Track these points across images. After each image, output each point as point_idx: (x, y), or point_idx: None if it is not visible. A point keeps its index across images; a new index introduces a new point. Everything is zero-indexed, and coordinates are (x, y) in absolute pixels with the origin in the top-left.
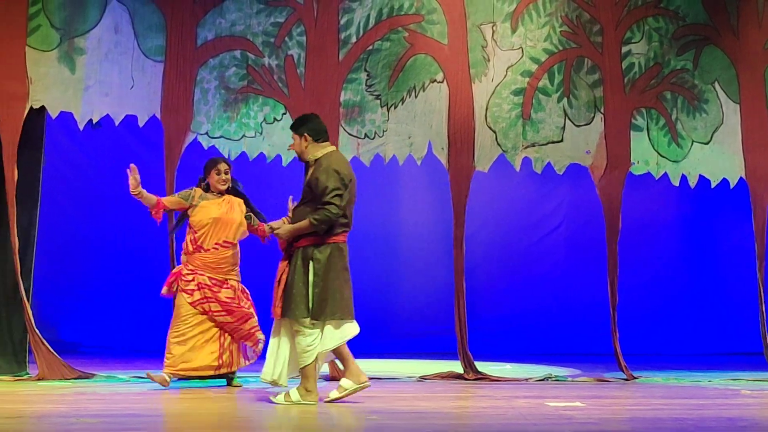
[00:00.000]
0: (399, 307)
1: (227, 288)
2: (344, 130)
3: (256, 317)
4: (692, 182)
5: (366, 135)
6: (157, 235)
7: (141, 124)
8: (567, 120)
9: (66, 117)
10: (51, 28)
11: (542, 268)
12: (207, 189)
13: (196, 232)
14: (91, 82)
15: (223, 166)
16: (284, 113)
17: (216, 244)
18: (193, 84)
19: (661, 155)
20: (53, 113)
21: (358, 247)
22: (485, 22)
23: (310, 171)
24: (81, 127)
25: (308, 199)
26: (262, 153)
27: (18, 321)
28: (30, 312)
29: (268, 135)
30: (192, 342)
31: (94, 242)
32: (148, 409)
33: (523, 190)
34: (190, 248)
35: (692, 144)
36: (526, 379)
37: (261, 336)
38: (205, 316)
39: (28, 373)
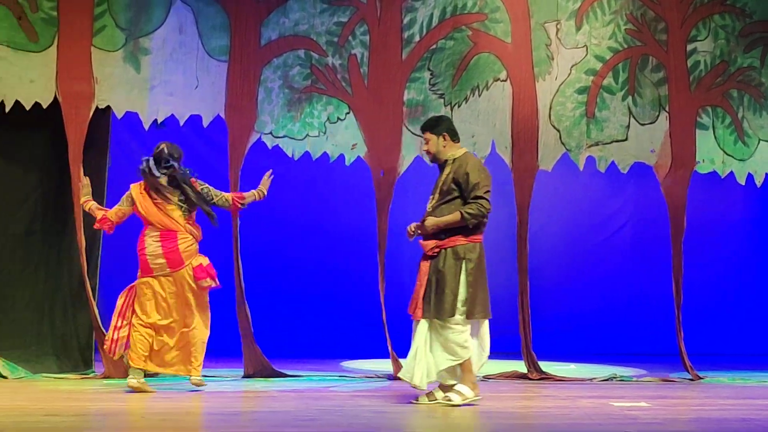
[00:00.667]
0: None
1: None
2: (407, 129)
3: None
4: (759, 181)
5: None
6: (220, 233)
7: (205, 124)
8: (631, 118)
9: (131, 117)
10: (116, 28)
11: (607, 268)
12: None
13: (145, 226)
14: (156, 82)
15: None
16: (347, 113)
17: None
18: (257, 83)
19: (727, 154)
20: (119, 113)
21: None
22: (549, 20)
23: (451, 169)
24: (146, 127)
25: (454, 196)
26: (325, 152)
27: (84, 320)
28: (96, 311)
29: (332, 134)
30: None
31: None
32: (215, 407)
33: (588, 190)
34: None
35: (759, 142)
36: (591, 379)
37: None
38: None
39: (93, 372)
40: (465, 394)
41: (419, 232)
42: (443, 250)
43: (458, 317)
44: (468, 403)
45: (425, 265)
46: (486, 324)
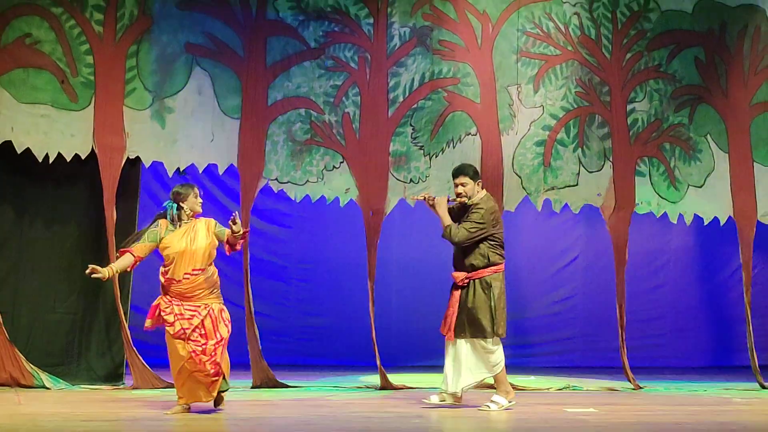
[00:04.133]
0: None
1: (204, 312)
2: (393, 175)
3: (225, 343)
4: (688, 220)
5: (411, 180)
6: (234, 262)
7: (221, 171)
8: (581, 167)
9: (157, 165)
10: (145, 90)
11: (562, 293)
12: (176, 217)
13: (166, 266)
14: (179, 136)
15: (198, 189)
16: (342, 162)
17: (186, 274)
18: (265, 137)
19: (661, 197)
20: (147, 163)
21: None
22: (512, 84)
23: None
24: (170, 174)
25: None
26: (323, 196)
27: (117, 339)
28: (128, 332)
29: (328, 180)
30: (186, 372)
31: None
32: (229, 413)
33: (545, 227)
34: (163, 280)
35: (688, 187)
36: (548, 389)
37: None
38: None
39: (124, 383)
40: (500, 402)
41: (430, 201)
42: (475, 281)
43: (493, 338)
44: (506, 408)
45: (457, 294)
46: (472, 343)
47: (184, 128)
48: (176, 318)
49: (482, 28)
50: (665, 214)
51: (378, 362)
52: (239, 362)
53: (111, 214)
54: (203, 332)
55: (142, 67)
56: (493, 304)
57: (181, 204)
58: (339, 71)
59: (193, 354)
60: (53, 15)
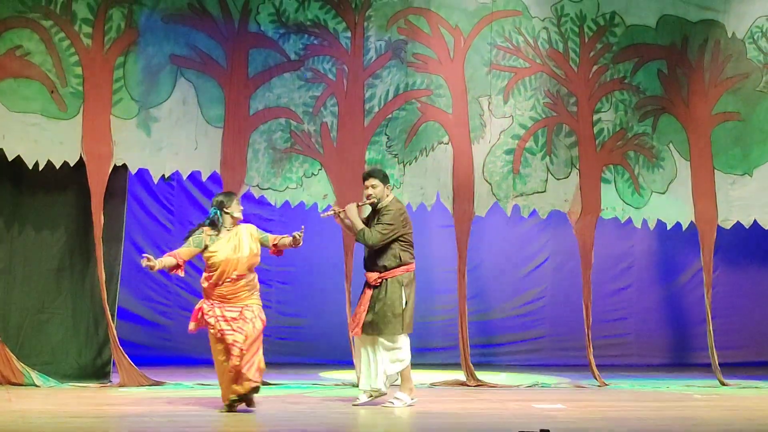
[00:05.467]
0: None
1: (246, 312)
2: None
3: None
4: (651, 225)
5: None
6: None
7: (204, 178)
8: (549, 174)
9: (143, 172)
10: (131, 100)
11: (531, 295)
12: (216, 224)
13: (209, 272)
14: (164, 144)
15: (238, 197)
16: (320, 169)
17: (228, 279)
18: (247, 145)
19: (626, 203)
20: (133, 170)
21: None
22: (483, 95)
23: (383, 212)
24: (156, 180)
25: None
26: (302, 201)
27: (104, 339)
28: (114, 332)
29: (307, 187)
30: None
31: (166, 276)
32: (209, 410)
33: (514, 232)
34: (206, 285)
35: (651, 194)
36: (518, 386)
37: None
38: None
39: (111, 381)
40: (404, 399)
41: (341, 215)
42: (387, 280)
43: (401, 335)
44: (409, 405)
45: (370, 292)
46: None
47: (168, 136)
48: (217, 320)
49: (455, 42)
50: (630, 219)
51: (355, 360)
52: None
53: (99, 219)
54: (240, 327)
55: (129, 78)
56: (404, 302)
57: (225, 210)
58: (318, 82)
59: (232, 347)
60: (43, 28)
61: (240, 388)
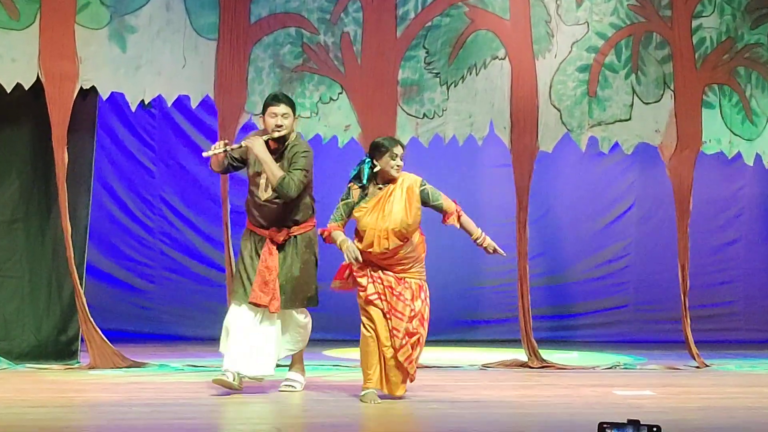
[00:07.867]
0: (460, 294)
1: (403, 286)
2: (402, 109)
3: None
4: (767, 162)
5: (425, 115)
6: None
7: (194, 104)
8: (635, 97)
9: (117, 97)
10: (101, 5)
11: (613, 253)
12: (366, 178)
13: (359, 234)
14: (143, 61)
15: (399, 149)
16: (340, 93)
17: (378, 252)
18: (247, 63)
19: (734, 134)
20: (104, 94)
21: None
22: None
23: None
24: (133, 108)
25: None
26: (318, 134)
27: (70, 310)
28: (84, 300)
29: (324, 115)
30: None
31: (147, 229)
32: (202, 397)
33: (591, 172)
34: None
35: (767, 122)
36: (593, 368)
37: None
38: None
39: (78, 362)
40: (301, 380)
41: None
42: (295, 237)
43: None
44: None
45: (275, 256)
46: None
47: (148, 52)
48: (370, 281)
49: None
50: (739, 155)
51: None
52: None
53: (61, 156)
54: (403, 303)
55: None
56: (316, 264)
57: (375, 162)
58: None
59: (394, 331)
60: None
61: (395, 388)
